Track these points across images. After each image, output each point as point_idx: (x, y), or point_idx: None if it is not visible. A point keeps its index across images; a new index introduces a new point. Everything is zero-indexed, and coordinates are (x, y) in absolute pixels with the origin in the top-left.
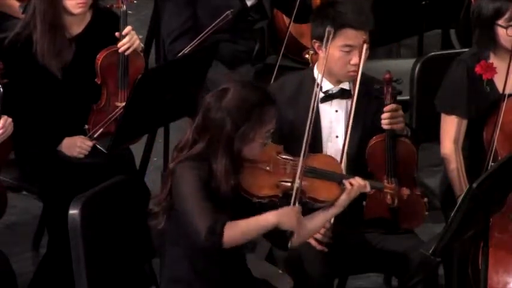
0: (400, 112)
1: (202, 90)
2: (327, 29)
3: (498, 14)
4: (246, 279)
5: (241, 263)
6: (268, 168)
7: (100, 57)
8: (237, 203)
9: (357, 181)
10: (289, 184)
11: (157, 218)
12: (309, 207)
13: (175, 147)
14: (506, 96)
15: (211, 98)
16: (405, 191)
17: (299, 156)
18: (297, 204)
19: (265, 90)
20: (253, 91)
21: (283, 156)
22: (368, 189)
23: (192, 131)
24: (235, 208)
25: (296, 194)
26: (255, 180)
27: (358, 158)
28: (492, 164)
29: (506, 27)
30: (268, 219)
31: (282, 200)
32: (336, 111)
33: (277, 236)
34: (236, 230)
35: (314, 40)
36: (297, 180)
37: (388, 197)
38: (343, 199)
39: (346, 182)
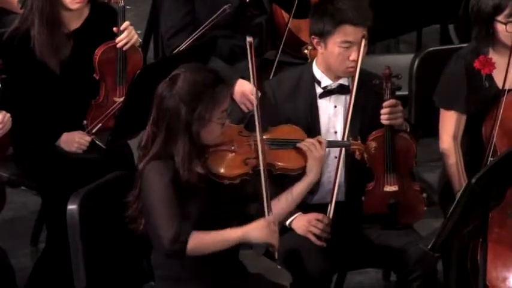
0: (400, 108)
1: None
2: None
3: (497, 10)
4: (238, 274)
5: (233, 258)
6: (233, 147)
7: (98, 52)
8: (210, 190)
9: (311, 141)
10: (256, 159)
11: (136, 220)
12: (285, 184)
13: (138, 145)
14: (506, 91)
15: (162, 87)
16: (372, 144)
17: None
18: (269, 215)
19: (214, 71)
20: (203, 73)
21: (245, 134)
22: (324, 144)
23: (150, 125)
24: (208, 196)
25: (264, 167)
26: (222, 162)
27: None
28: (491, 159)
29: (505, 23)
30: (235, 234)
31: (253, 176)
32: (335, 106)
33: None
34: (201, 241)
35: (313, 36)
36: (260, 154)
37: (357, 153)
38: (311, 163)
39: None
